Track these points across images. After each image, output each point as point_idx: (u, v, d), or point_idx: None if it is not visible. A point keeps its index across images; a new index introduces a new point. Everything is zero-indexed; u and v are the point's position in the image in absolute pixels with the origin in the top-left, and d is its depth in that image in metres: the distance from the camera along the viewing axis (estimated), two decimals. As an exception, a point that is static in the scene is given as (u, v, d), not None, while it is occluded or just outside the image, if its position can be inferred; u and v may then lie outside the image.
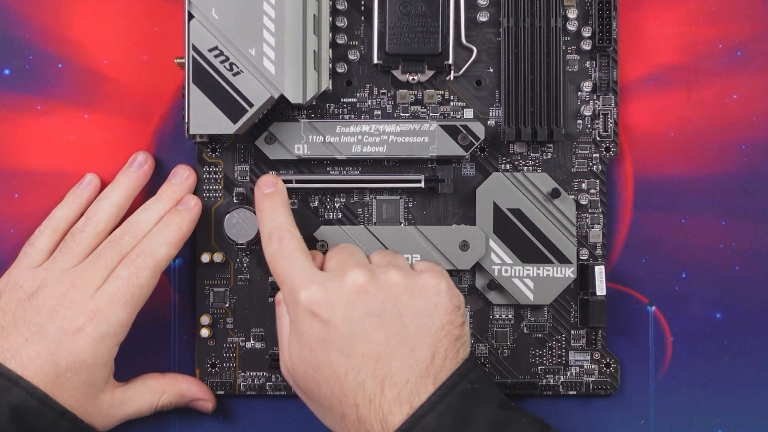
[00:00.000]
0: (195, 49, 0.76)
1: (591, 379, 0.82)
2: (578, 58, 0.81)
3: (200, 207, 0.79)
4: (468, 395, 0.71)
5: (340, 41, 0.81)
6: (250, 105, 0.76)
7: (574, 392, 0.82)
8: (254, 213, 0.80)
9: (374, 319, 0.71)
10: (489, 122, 0.81)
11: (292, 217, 0.77)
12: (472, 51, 0.81)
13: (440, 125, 0.80)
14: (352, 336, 0.71)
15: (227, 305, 0.81)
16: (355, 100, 0.81)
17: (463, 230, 0.80)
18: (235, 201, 0.81)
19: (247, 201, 0.81)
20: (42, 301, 0.75)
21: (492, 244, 0.80)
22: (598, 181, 0.81)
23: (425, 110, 0.81)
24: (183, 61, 0.77)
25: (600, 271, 0.80)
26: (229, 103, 0.76)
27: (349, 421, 0.71)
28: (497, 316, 0.82)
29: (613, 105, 0.81)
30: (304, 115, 0.81)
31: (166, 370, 0.81)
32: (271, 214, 0.76)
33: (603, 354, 0.81)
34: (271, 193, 0.77)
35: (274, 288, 0.80)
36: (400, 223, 0.81)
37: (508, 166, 0.81)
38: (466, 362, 0.73)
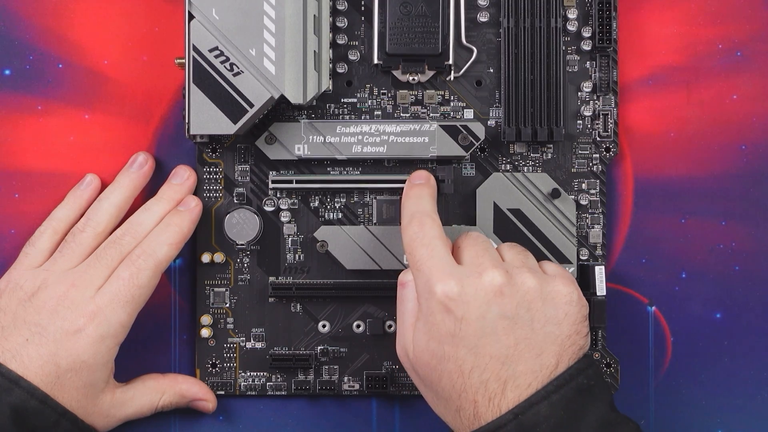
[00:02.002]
0: (195, 49, 0.76)
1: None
2: (578, 58, 0.81)
3: (201, 207, 0.80)
4: (583, 390, 0.71)
5: (340, 41, 0.81)
6: (251, 105, 0.76)
7: (575, 392, 0.82)
8: (255, 213, 0.80)
9: (506, 322, 0.72)
10: (489, 122, 0.81)
11: (435, 208, 0.76)
12: (472, 51, 0.81)
13: (440, 125, 0.80)
14: (483, 335, 0.71)
15: (227, 305, 0.81)
16: (355, 100, 0.81)
17: (463, 230, 0.80)
18: (235, 201, 0.81)
19: (248, 201, 0.81)
20: (42, 301, 0.75)
21: (492, 244, 0.80)
22: (598, 181, 0.81)
23: (425, 110, 0.81)
24: (183, 61, 0.77)
25: (600, 271, 0.80)
26: (229, 103, 0.76)
27: (464, 415, 0.72)
28: (497, 316, 0.82)
29: (613, 105, 0.81)
30: (304, 116, 0.81)
31: (167, 371, 0.82)
32: (416, 200, 0.76)
33: (603, 354, 0.81)
34: (420, 184, 0.78)
35: (275, 288, 0.80)
36: (401, 224, 0.81)
37: (508, 167, 0.81)
38: (584, 358, 0.73)
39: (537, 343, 0.72)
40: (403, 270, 0.77)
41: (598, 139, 0.81)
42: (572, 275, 0.76)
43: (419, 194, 0.77)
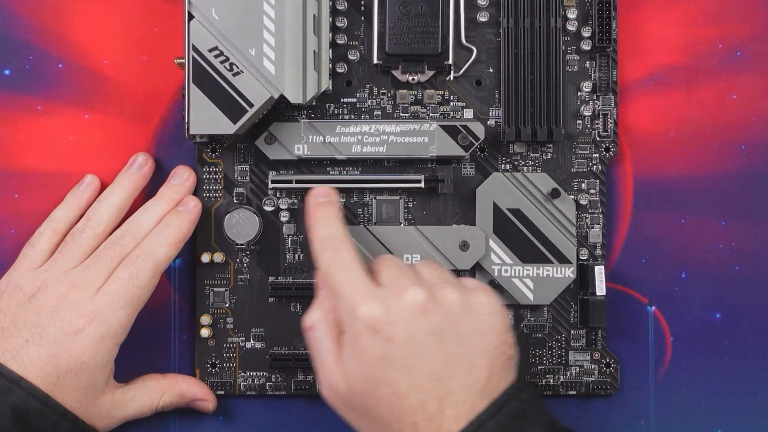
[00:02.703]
0: (195, 49, 0.76)
1: (591, 379, 0.82)
2: (578, 58, 0.81)
3: (200, 208, 0.80)
4: (517, 415, 0.71)
5: (340, 41, 0.81)
6: (250, 105, 0.76)
7: (574, 392, 0.82)
8: (254, 213, 0.80)
9: (435, 338, 0.71)
10: (489, 122, 0.81)
11: (345, 228, 0.75)
12: (472, 51, 0.81)
13: (440, 125, 0.80)
14: (413, 354, 0.71)
15: (227, 305, 0.81)
16: (355, 100, 0.81)
17: (463, 230, 0.80)
18: (235, 201, 0.81)
19: (247, 201, 0.81)
20: (42, 302, 0.75)
21: (492, 244, 0.80)
22: (598, 181, 0.81)
23: (425, 110, 0.81)
24: (183, 61, 0.77)
25: (600, 271, 0.80)
26: (229, 103, 0.76)
27: None
28: (497, 316, 0.82)
29: (612, 105, 0.81)
30: (304, 116, 0.81)
31: (167, 371, 0.82)
32: (324, 222, 0.75)
33: (603, 354, 0.81)
34: (325, 203, 0.77)
35: (275, 288, 0.80)
36: (400, 224, 0.81)
37: (508, 166, 0.81)
38: (517, 382, 0.72)
39: (467, 357, 0.71)
40: None
41: (597, 139, 0.81)
42: (491, 288, 0.75)
43: (326, 215, 0.76)
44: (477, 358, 0.71)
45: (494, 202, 0.80)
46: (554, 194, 0.80)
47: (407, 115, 0.81)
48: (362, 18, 0.81)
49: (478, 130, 0.80)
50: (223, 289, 0.81)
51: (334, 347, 0.73)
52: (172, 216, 0.78)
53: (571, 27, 0.81)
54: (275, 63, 0.76)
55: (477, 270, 0.81)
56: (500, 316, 0.73)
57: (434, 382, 0.70)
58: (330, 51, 0.80)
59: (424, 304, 0.71)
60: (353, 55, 0.81)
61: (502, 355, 0.72)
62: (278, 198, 0.81)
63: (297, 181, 0.80)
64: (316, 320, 0.74)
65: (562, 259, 0.80)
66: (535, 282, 0.80)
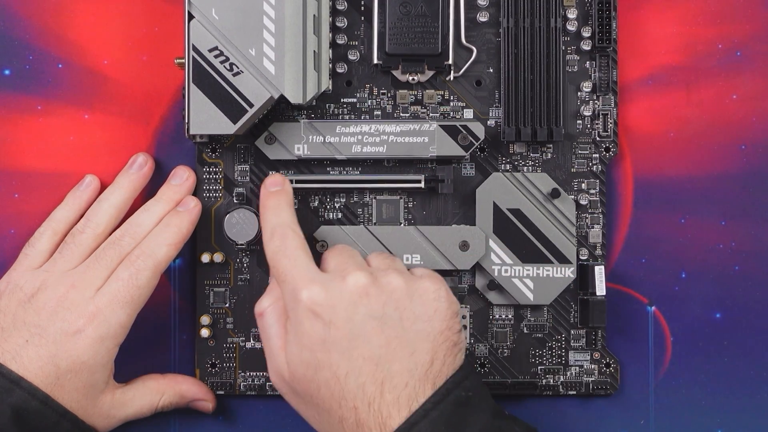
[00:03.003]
0: (195, 49, 0.76)
1: (591, 379, 0.82)
2: (578, 58, 0.81)
3: (200, 208, 0.80)
4: (461, 403, 0.71)
5: (340, 41, 0.81)
6: (250, 105, 0.76)
7: (574, 392, 0.82)
8: (254, 213, 0.80)
9: (375, 322, 0.71)
10: (489, 122, 0.81)
11: (295, 217, 0.76)
12: (472, 51, 0.81)
13: (440, 125, 0.80)
14: (353, 338, 0.71)
15: (227, 305, 0.81)
16: (355, 100, 0.81)
17: (463, 230, 0.80)
18: (235, 201, 0.81)
19: (247, 201, 0.81)
20: (42, 302, 0.75)
21: (492, 244, 0.80)
22: (597, 181, 0.81)
23: (425, 110, 0.81)
24: (183, 61, 0.77)
25: (600, 271, 0.80)
26: (229, 103, 0.76)
27: (347, 425, 0.71)
28: (497, 316, 0.82)
29: (612, 105, 0.81)
30: (304, 116, 0.81)
31: (166, 371, 0.82)
32: (274, 211, 0.76)
33: (603, 354, 0.81)
34: (277, 192, 0.77)
35: (274, 288, 0.81)
36: (400, 224, 0.81)
37: (508, 167, 0.81)
38: (461, 370, 0.72)
39: (409, 341, 0.71)
40: None
41: (597, 139, 0.81)
42: (440, 276, 0.75)
43: (276, 204, 0.77)
44: (419, 342, 0.71)
45: (494, 202, 0.80)
46: (554, 194, 0.80)
47: (407, 115, 0.81)
48: (362, 18, 0.81)
49: (478, 130, 0.80)
50: (223, 289, 0.81)
51: (281, 332, 0.74)
52: (171, 216, 0.78)
53: (571, 27, 0.81)
54: (275, 63, 0.76)
55: (477, 270, 0.81)
56: (446, 302, 0.73)
57: (374, 366, 0.71)
58: (330, 51, 0.80)
59: (366, 288, 0.72)
60: (353, 55, 0.81)
61: (446, 341, 0.72)
62: (278, 198, 0.81)
63: (297, 181, 0.80)
64: (265, 307, 0.75)
65: (562, 259, 0.80)
66: (535, 282, 0.80)
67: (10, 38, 0.81)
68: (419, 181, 0.80)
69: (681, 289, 0.82)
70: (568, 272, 0.80)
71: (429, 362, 0.71)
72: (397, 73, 0.81)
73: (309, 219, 0.81)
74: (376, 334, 0.71)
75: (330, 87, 0.81)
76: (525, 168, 0.81)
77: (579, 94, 0.81)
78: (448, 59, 0.80)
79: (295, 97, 0.76)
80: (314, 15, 0.77)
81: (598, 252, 0.81)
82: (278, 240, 0.75)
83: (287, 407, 0.82)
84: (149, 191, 0.81)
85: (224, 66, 0.76)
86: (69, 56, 0.81)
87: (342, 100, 0.81)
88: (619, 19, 0.81)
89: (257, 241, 0.81)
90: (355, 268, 0.73)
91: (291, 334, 0.73)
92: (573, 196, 0.81)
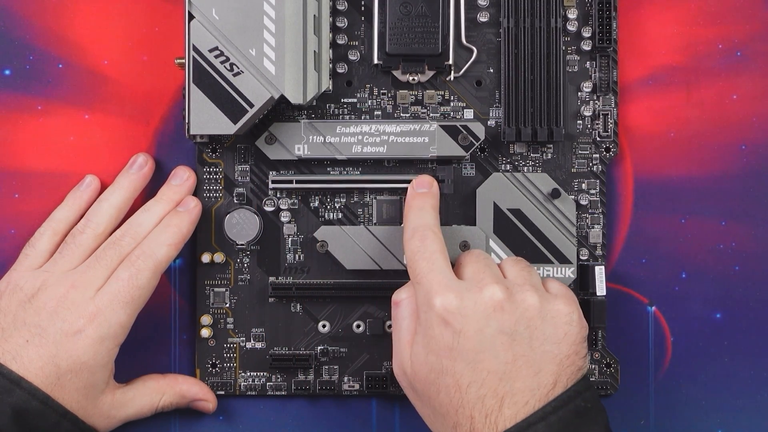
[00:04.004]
0: (195, 49, 0.76)
1: (591, 379, 0.81)
2: (578, 58, 0.81)
3: (200, 208, 0.80)
4: (580, 413, 0.71)
5: (340, 41, 0.81)
6: (251, 105, 0.76)
7: (574, 392, 0.82)
8: (255, 213, 0.80)
9: (505, 338, 0.72)
10: (489, 122, 0.81)
11: (438, 220, 0.77)
12: (472, 51, 0.81)
13: (440, 125, 0.80)
14: (481, 350, 0.71)
15: (227, 305, 0.81)
16: (355, 100, 0.81)
17: (463, 230, 0.80)
18: (235, 201, 0.81)
19: (248, 201, 0.81)
20: (42, 302, 0.75)
21: (492, 244, 0.80)
22: (598, 181, 0.81)
23: (425, 110, 0.81)
24: (183, 61, 0.77)
25: (600, 272, 0.80)
26: (229, 103, 0.76)
27: (460, 431, 0.71)
28: (497, 316, 0.82)
29: (613, 105, 0.81)
30: (304, 116, 0.81)
31: (167, 371, 0.82)
32: (418, 212, 0.77)
33: (603, 354, 0.81)
34: (424, 193, 0.78)
35: (275, 288, 0.80)
36: (400, 224, 0.81)
37: (508, 167, 0.81)
38: (582, 381, 0.73)
39: (535, 361, 0.72)
40: (397, 287, 0.77)
41: (598, 139, 0.81)
42: (574, 296, 0.75)
43: (421, 205, 0.77)
44: (545, 364, 0.72)
45: (494, 203, 0.80)
46: (554, 194, 0.80)
47: (407, 115, 0.81)
48: (362, 18, 0.81)
49: (479, 130, 0.80)
50: (224, 290, 0.81)
51: (411, 327, 0.75)
52: (172, 216, 0.78)
53: (572, 27, 0.81)
54: (275, 63, 0.76)
55: (477, 270, 0.81)
56: (577, 326, 0.74)
57: (497, 380, 0.71)
58: (330, 51, 0.80)
59: (501, 303, 0.72)
60: (353, 56, 0.81)
61: (571, 365, 0.73)
62: (278, 198, 0.81)
63: (297, 182, 0.80)
64: (402, 298, 0.76)
65: (563, 259, 0.80)
66: (536, 282, 0.80)
67: (11, 38, 0.81)
68: (419, 181, 0.80)
69: (681, 289, 0.82)
70: (569, 272, 0.80)
71: (552, 384, 0.72)
72: (397, 74, 0.81)
73: (309, 219, 0.81)
74: (504, 350, 0.71)
75: (330, 87, 0.81)
76: (525, 168, 0.81)
77: (579, 94, 0.81)
78: (448, 59, 0.80)
79: (295, 97, 0.76)
80: (314, 15, 0.77)
81: (599, 252, 0.81)
82: (418, 241, 0.75)
83: (287, 407, 0.82)
84: (149, 191, 0.81)
85: (224, 66, 0.76)
86: (69, 56, 0.81)
87: (342, 100, 0.81)
88: (619, 19, 0.81)
89: (257, 241, 0.81)
90: (492, 280, 0.73)
91: (420, 335, 0.73)
92: (573, 197, 0.81)
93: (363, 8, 0.81)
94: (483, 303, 0.72)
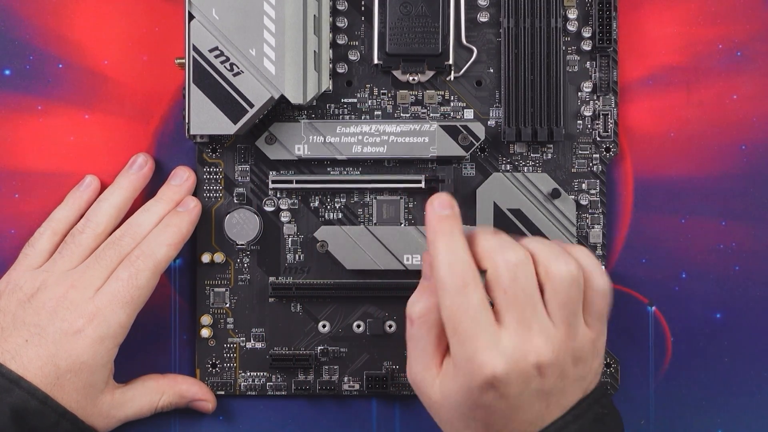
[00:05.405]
0: (195, 49, 0.76)
1: (591, 379, 0.82)
2: (578, 58, 0.81)
3: (200, 208, 0.80)
4: (599, 420, 0.72)
5: (340, 41, 0.81)
6: (251, 105, 0.76)
7: (575, 392, 0.82)
8: (255, 213, 0.80)
9: (542, 395, 0.71)
10: (489, 122, 0.81)
11: (469, 251, 0.71)
12: (472, 51, 0.81)
13: (440, 125, 0.80)
14: (518, 408, 0.70)
15: (228, 305, 0.81)
16: (355, 100, 0.81)
17: (463, 230, 0.80)
18: (235, 201, 0.81)
19: (248, 201, 0.81)
20: (42, 302, 0.75)
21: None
22: (598, 181, 0.81)
23: (425, 111, 0.81)
24: (183, 61, 0.77)
25: (600, 272, 0.80)
26: (229, 103, 0.76)
27: None
28: (497, 317, 0.82)
29: (613, 105, 0.81)
30: (304, 116, 0.81)
31: (167, 371, 0.82)
32: (449, 241, 0.70)
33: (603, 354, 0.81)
34: (448, 217, 0.71)
35: (275, 288, 0.80)
36: (401, 224, 0.81)
37: (508, 167, 0.81)
38: (598, 388, 0.73)
39: (567, 400, 0.72)
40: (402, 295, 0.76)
41: (598, 139, 0.81)
42: (606, 317, 0.73)
43: (451, 237, 0.71)
44: (575, 396, 0.72)
45: (494, 203, 0.80)
46: (554, 194, 0.80)
47: (407, 115, 0.81)
48: (362, 18, 0.81)
49: (479, 130, 0.80)
50: (224, 290, 0.81)
51: (432, 350, 0.72)
52: (171, 216, 0.78)
53: (572, 27, 0.81)
54: (275, 63, 0.76)
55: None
56: (599, 357, 0.74)
57: (528, 423, 0.71)
58: (330, 51, 0.80)
59: (545, 368, 0.70)
60: (353, 56, 0.81)
61: (592, 383, 0.73)
62: (279, 198, 0.81)
63: (297, 182, 0.80)
64: (417, 316, 0.72)
65: (563, 260, 0.80)
66: (536, 282, 0.80)
67: (10, 38, 0.81)
68: (419, 182, 0.80)
69: (681, 289, 0.82)
70: (569, 272, 0.80)
71: (575, 405, 0.72)
72: (397, 74, 0.81)
73: (309, 219, 0.81)
74: (539, 402, 0.71)
75: (330, 87, 0.81)
76: (525, 168, 0.81)
77: (579, 94, 0.81)
78: (448, 59, 0.80)
79: (295, 98, 0.76)
80: (315, 15, 0.77)
81: (599, 252, 0.81)
82: (460, 293, 0.69)
83: (287, 407, 0.82)
84: (149, 191, 0.81)
85: (225, 66, 0.76)
86: (69, 56, 0.81)
87: (342, 100, 0.81)
88: (619, 19, 0.81)
89: (257, 241, 0.81)
90: (541, 342, 0.70)
91: (456, 383, 0.71)
92: (573, 197, 0.81)
93: (363, 8, 0.81)
94: (528, 371, 0.70)
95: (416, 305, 0.72)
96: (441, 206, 0.72)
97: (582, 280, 0.71)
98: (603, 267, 0.76)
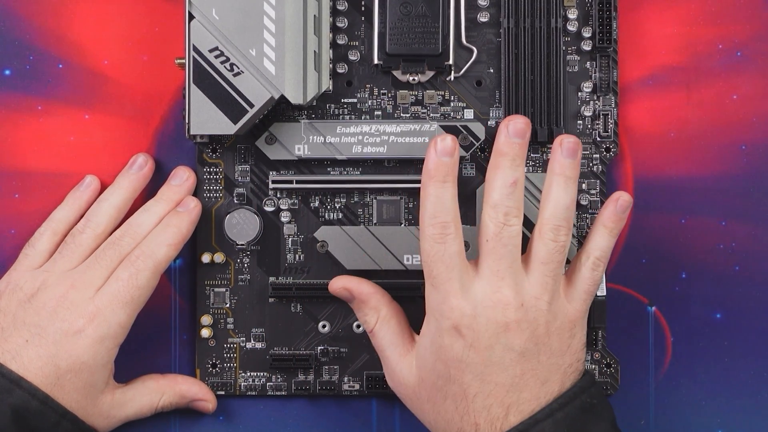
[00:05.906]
0: (195, 49, 0.76)
1: (591, 379, 0.82)
2: (578, 58, 0.81)
3: (200, 209, 0.80)
4: (586, 409, 0.72)
5: (340, 42, 0.81)
6: (251, 105, 0.76)
7: (575, 392, 0.82)
8: (255, 213, 0.80)
9: (514, 354, 0.72)
10: (489, 123, 0.81)
11: (457, 200, 0.73)
12: (472, 51, 0.81)
13: (440, 126, 0.80)
14: (490, 364, 0.72)
15: (228, 305, 0.81)
16: (355, 100, 0.81)
17: (463, 231, 0.80)
18: (235, 201, 0.81)
19: (248, 201, 0.81)
20: (42, 302, 0.75)
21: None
22: (598, 181, 0.81)
23: (425, 111, 0.81)
24: (183, 61, 0.77)
25: (600, 272, 0.80)
26: (229, 103, 0.76)
27: None
28: (497, 317, 0.82)
29: (613, 105, 0.81)
30: (304, 116, 0.81)
31: (167, 371, 0.82)
32: (440, 192, 0.73)
33: (603, 354, 0.81)
34: (445, 165, 0.73)
35: (275, 288, 0.80)
36: (401, 224, 0.81)
37: (508, 167, 0.81)
38: (586, 377, 0.74)
39: (542, 373, 0.73)
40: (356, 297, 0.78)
41: (598, 139, 0.81)
42: (590, 299, 0.75)
43: (443, 181, 0.73)
44: (551, 374, 0.73)
45: (494, 203, 0.80)
46: (554, 194, 0.80)
47: (408, 115, 0.81)
48: (363, 18, 0.81)
49: (479, 130, 0.80)
50: (224, 290, 0.81)
51: (400, 337, 0.76)
52: (171, 216, 0.78)
53: (572, 27, 0.81)
54: (276, 63, 0.76)
55: (477, 270, 0.81)
56: (578, 338, 0.74)
57: (505, 391, 0.72)
58: (330, 51, 0.80)
59: (513, 323, 0.72)
60: (354, 56, 0.81)
61: (574, 371, 0.74)
62: (279, 198, 0.81)
63: (297, 182, 0.80)
64: (372, 326, 0.77)
65: (563, 260, 0.80)
66: (536, 282, 0.80)
67: (10, 38, 0.81)
68: (420, 182, 0.80)
69: (681, 289, 0.82)
70: (569, 272, 0.80)
71: (557, 392, 0.73)
72: (397, 74, 0.81)
73: (309, 219, 0.81)
74: (513, 365, 0.72)
75: (330, 87, 0.81)
76: (525, 168, 0.81)
77: (579, 94, 0.81)
78: (448, 59, 0.80)
79: (295, 98, 0.76)
80: (315, 15, 0.77)
81: (599, 252, 0.81)
82: (437, 242, 0.72)
83: (287, 407, 0.82)
84: (149, 191, 0.81)
85: (225, 66, 0.76)
86: (69, 56, 0.81)
87: (342, 100, 0.81)
88: (619, 20, 0.81)
89: (257, 241, 0.81)
90: (510, 294, 0.72)
91: (428, 339, 0.73)
92: (573, 197, 0.81)
93: (363, 8, 0.81)
94: (496, 321, 0.72)
95: (369, 320, 0.77)
96: (443, 152, 0.73)
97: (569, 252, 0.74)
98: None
